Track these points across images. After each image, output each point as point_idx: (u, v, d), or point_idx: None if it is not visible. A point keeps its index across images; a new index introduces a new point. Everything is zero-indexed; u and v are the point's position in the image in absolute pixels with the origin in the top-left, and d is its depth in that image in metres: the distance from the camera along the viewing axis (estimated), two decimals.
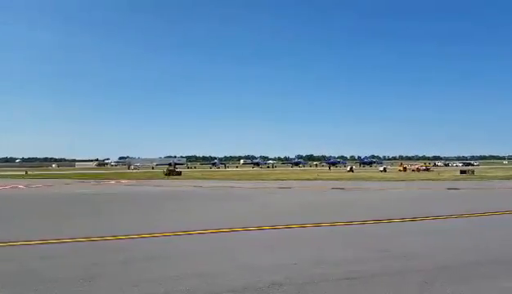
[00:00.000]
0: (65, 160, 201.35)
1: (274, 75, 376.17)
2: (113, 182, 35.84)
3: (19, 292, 5.36)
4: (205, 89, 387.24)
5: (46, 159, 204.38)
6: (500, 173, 48.71)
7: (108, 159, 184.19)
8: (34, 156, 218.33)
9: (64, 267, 6.58)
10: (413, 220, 11.50)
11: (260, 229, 10.17)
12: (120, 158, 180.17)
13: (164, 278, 5.92)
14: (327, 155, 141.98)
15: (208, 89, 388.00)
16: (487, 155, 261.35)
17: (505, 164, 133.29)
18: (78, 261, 6.94)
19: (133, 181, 37.04)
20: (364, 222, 11.09)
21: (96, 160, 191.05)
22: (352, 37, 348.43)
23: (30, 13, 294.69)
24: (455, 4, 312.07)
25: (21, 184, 31.79)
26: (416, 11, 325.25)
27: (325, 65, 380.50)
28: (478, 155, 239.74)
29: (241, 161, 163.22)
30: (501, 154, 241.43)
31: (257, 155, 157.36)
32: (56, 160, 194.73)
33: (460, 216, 12.28)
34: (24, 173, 63.91)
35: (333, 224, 10.84)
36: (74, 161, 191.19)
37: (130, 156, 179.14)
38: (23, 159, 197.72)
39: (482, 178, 37.45)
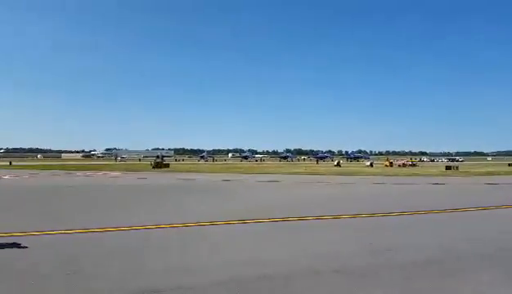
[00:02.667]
0: (50, 151, 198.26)
1: (262, 71, 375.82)
2: (100, 174, 35.44)
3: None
4: (194, 82, 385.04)
5: (31, 150, 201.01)
6: (483, 169, 49.63)
7: (94, 151, 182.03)
8: (19, 146, 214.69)
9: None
10: (401, 214, 11.64)
11: (255, 221, 10.15)
12: (107, 150, 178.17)
13: (155, 271, 5.85)
14: (315, 149, 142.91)
15: (197, 82, 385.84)
16: (471, 151, 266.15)
17: (489, 161, 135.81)
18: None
19: (118, 173, 36.68)
20: (355, 216, 11.18)
21: (82, 151, 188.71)
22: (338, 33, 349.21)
23: (23, 9, 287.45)
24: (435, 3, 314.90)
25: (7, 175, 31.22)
26: (389, 8, 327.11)
27: (314, 61, 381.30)
28: (463, 151, 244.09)
29: (230, 154, 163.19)
30: (485, 151, 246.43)
31: (245, 149, 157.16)
32: (41, 151, 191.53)
33: (444, 211, 12.43)
34: (8, 163, 62.75)
35: (319, 217, 10.89)
36: (60, 152, 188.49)
37: (117, 148, 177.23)
38: (7, 150, 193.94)
39: (466, 174, 38.08)
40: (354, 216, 11.16)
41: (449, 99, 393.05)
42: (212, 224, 9.83)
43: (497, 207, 13.31)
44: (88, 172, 37.67)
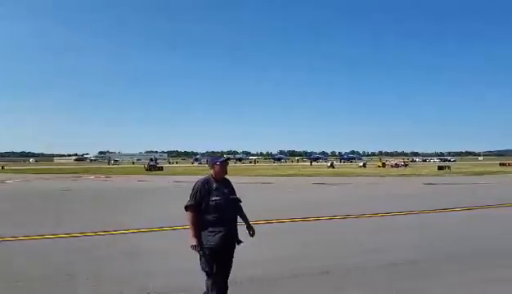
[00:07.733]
0: (43, 155, 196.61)
1: (257, 72, 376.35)
2: (92, 177, 35.29)
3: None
4: (188, 84, 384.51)
5: (23, 154, 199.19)
6: (475, 169, 50.17)
7: (87, 154, 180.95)
8: (11, 150, 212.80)
9: None
10: (387, 214, 11.79)
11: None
12: (100, 153, 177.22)
13: (139, 273, 5.87)
14: (309, 151, 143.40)
15: (191, 84, 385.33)
16: (463, 151, 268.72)
17: (481, 160, 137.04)
18: None
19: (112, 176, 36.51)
20: (332, 217, 11.31)
21: (75, 155, 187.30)
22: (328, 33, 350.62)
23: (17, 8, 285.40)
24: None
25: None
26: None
27: (306, 62, 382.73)
28: (455, 151, 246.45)
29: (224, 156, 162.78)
30: (477, 151, 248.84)
31: (239, 151, 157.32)
32: (33, 155, 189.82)
33: (434, 211, 12.59)
34: (0, 168, 62.18)
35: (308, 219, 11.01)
36: (53, 156, 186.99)
37: (110, 151, 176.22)
38: None
39: (459, 173, 38.50)
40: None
41: (441, 100, 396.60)
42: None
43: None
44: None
